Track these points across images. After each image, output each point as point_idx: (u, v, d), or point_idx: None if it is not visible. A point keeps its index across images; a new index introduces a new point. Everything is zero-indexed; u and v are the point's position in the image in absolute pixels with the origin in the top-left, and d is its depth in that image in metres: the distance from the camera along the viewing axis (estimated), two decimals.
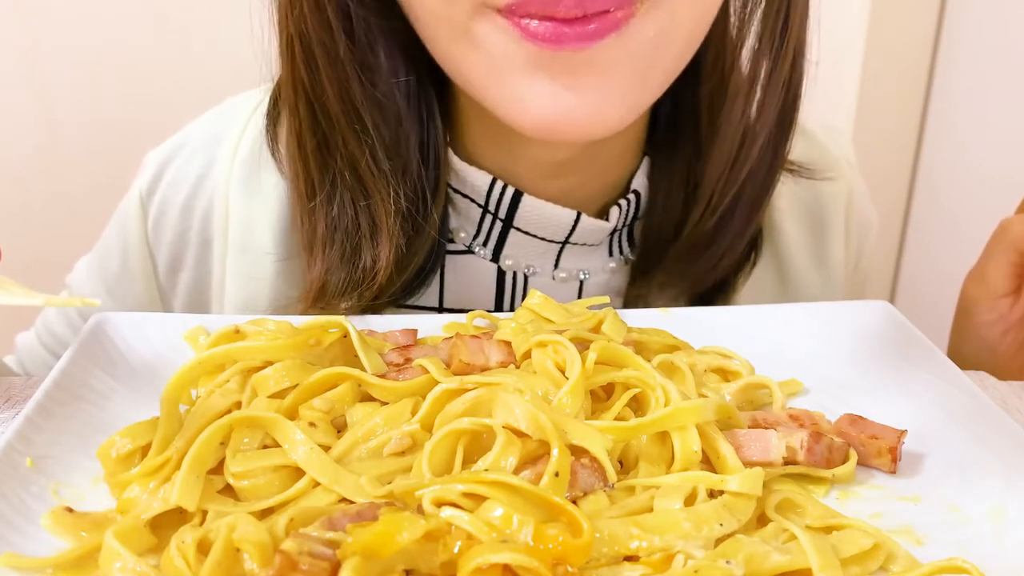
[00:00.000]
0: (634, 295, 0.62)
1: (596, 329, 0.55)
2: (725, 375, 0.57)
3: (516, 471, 0.42)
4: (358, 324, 0.58)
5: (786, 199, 0.65)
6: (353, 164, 0.54)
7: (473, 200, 0.59)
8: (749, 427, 0.49)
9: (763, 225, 0.63)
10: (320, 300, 0.56)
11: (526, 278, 0.62)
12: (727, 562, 0.38)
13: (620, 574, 0.38)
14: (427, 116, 0.56)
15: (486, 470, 0.42)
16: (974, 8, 1.39)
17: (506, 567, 0.37)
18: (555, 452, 0.42)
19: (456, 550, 0.37)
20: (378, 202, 0.54)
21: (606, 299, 0.63)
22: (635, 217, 0.62)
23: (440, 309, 0.62)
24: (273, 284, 0.60)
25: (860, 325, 0.61)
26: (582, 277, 0.63)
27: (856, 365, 0.58)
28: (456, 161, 0.58)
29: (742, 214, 0.59)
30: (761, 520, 0.43)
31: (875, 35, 1.45)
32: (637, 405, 0.49)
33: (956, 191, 1.38)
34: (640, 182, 0.60)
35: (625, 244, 0.63)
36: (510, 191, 0.57)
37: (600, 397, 0.50)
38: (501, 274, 0.62)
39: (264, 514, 0.42)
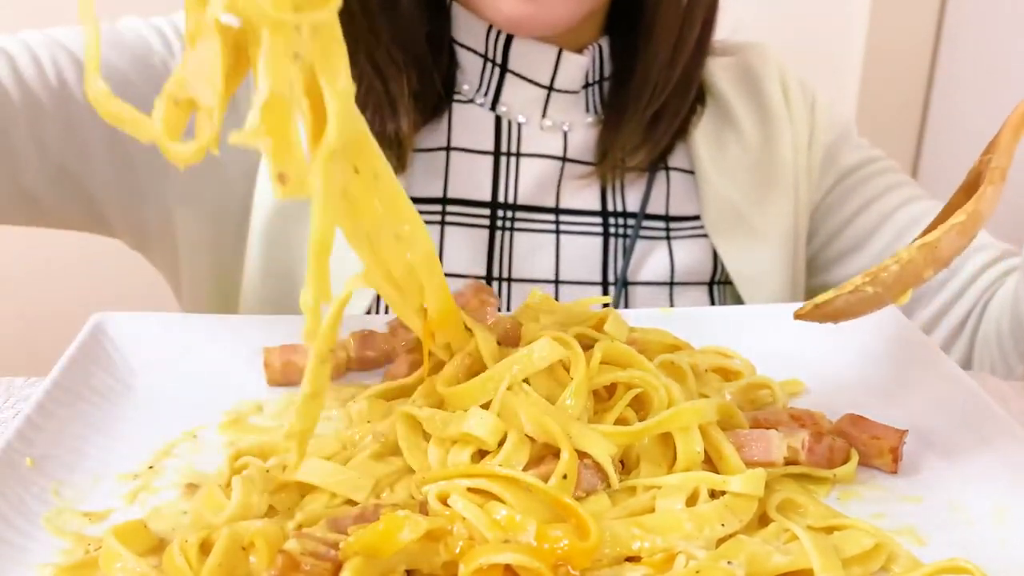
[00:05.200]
0: (606, 146, 0.74)
1: (597, 328, 0.55)
2: (726, 375, 0.57)
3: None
4: (359, 325, 0.58)
5: (719, 67, 0.80)
6: (372, 56, 0.68)
7: (474, 50, 0.71)
8: (751, 427, 0.49)
9: (703, 87, 0.78)
10: None
11: (520, 126, 0.73)
12: (729, 563, 0.38)
13: (622, 575, 0.38)
14: (436, 5, 0.70)
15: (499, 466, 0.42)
16: (974, 7, 1.39)
17: (508, 567, 0.37)
18: (565, 455, 0.42)
19: (458, 550, 0.37)
20: (393, 86, 0.68)
21: (608, 299, 0.64)
22: (602, 77, 0.75)
23: (447, 149, 0.72)
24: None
25: (861, 325, 0.60)
26: (565, 128, 0.74)
27: (857, 365, 0.58)
28: (459, 11, 0.71)
29: (683, 84, 0.73)
30: (763, 520, 0.43)
31: (875, 35, 1.45)
32: (639, 405, 0.48)
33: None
34: (605, 41, 0.73)
35: (598, 102, 0.75)
36: (504, 33, 0.70)
37: (602, 396, 0.50)
38: (498, 122, 0.73)
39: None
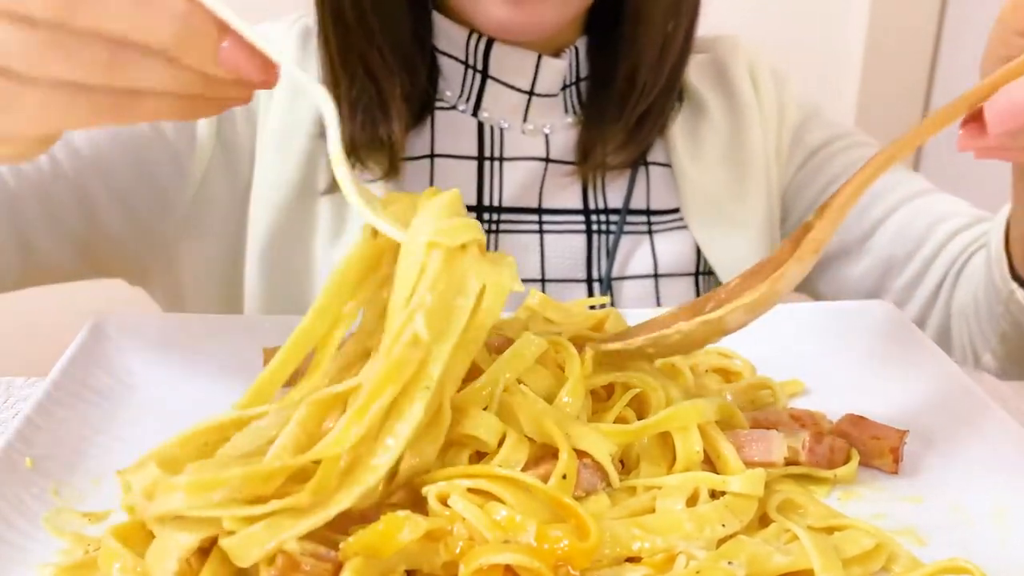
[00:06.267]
0: (587, 146, 0.75)
1: (597, 328, 0.55)
2: (726, 375, 0.57)
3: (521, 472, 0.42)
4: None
5: (693, 64, 0.80)
6: (365, 59, 0.69)
7: (455, 57, 0.72)
8: (751, 427, 0.49)
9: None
10: (353, 157, 0.70)
11: (502, 131, 0.74)
12: (729, 563, 0.38)
13: (622, 575, 0.38)
14: (418, 10, 0.71)
15: (499, 466, 0.42)
16: (974, 7, 1.39)
17: (508, 567, 0.36)
18: (564, 456, 0.42)
19: (458, 550, 0.37)
20: (386, 88, 0.69)
21: (606, 299, 0.64)
22: (579, 78, 0.75)
23: (431, 156, 0.73)
24: (304, 162, 0.72)
25: (861, 325, 0.61)
26: (546, 131, 0.75)
27: (857, 365, 0.58)
28: (440, 19, 0.71)
29: (669, 84, 0.75)
30: (763, 520, 0.43)
31: (875, 35, 1.45)
32: (639, 406, 0.48)
33: (956, 192, 1.38)
34: (581, 42, 0.74)
35: (576, 103, 0.76)
36: (484, 40, 0.70)
37: (601, 397, 0.50)
38: (480, 128, 0.74)
39: None
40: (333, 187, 0.71)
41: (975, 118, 0.42)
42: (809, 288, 0.84)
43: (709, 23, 0.82)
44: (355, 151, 0.70)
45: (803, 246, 0.45)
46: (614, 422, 0.47)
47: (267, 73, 0.40)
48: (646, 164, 0.77)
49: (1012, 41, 0.45)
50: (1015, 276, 0.64)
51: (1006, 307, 0.65)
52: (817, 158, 0.82)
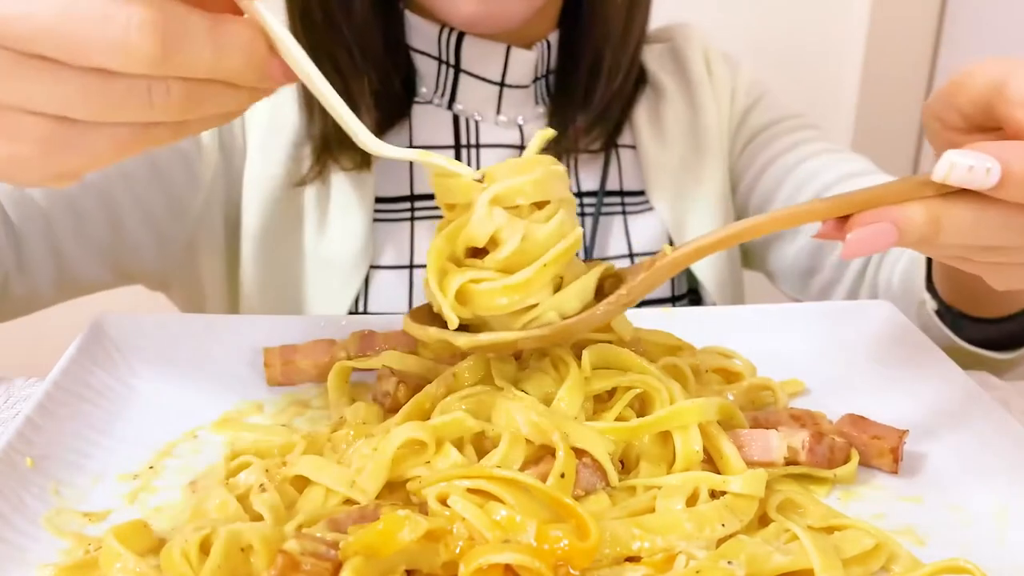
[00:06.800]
0: (557, 130, 0.77)
1: (599, 328, 0.55)
2: (727, 375, 0.57)
3: (519, 471, 0.42)
4: (359, 325, 0.58)
5: (655, 54, 0.85)
6: (333, 58, 0.71)
7: (428, 54, 0.74)
8: (751, 427, 0.49)
9: (642, 70, 0.83)
10: (326, 152, 0.72)
11: (477, 124, 0.76)
12: (729, 563, 0.38)
13: (622, 575, 0.38)
14: (387, 9, 0.73)
15: (498, 466, 0.42)
16: (974, 7, 1.39)
17: (508, 567, 0.36)
18: (561, 454, 0.42)
19: (458, 550, 0.37)
20: (353, 86, 0.71)
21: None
22: (550, 70, 0.78)
23: (410, 147, 0.73)
24: (290, 155, 0.74)
25: (862, 325, 0.61)
26: (520, 122, 0.78)
27: (858, 365, 0.58)
28: (411, 18, 0.73)
29: (631, 71, 0.78)
30: (763, 520, 0.43)
31: (875, 35, 1.45)
32: (642, 406, 0.48)
33: None
34: (554, 36, 0.77)
35: (546, 95, 0.79)
36: (455, 34, 0.72)
37: (602, 398, 0.50)
38: (456, 120, 0.76)
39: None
40: (308, 179, 0.72)
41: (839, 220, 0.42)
42: (759, 265, 0.88)
43: (710, 24, 0.83)
44: (327, 147, 0.72)
45: (616, 300, 0.46)
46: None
47: (289, 78, 0.40)
48: (616, 147, 0.80)
49: (946, 114, 0.47)
50: (931, 287, 0.64)
51: (918, 310, 0.66)
52: (760, 139, 0.84)
